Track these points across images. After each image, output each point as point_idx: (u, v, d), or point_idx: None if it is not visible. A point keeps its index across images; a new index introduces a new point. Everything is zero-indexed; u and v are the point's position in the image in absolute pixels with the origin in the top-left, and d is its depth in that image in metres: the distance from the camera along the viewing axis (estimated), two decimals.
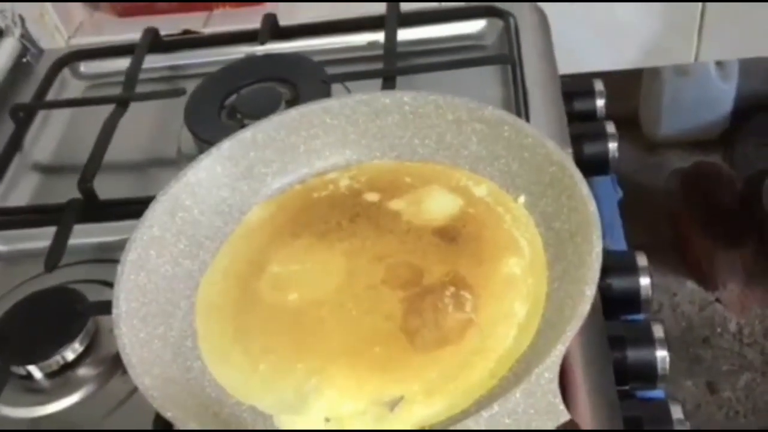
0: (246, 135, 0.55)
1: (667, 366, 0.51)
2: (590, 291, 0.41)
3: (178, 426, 0.40)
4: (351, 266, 0.49)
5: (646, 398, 0.52)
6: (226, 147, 0.54)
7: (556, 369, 0.38)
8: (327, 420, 0.42)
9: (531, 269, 0.47)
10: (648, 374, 0.51)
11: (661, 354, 0.51)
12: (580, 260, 0.43)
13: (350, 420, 0.42)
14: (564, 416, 0.36)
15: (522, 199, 0.51)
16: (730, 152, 1.56)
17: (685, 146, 1.61)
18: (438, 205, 0.52)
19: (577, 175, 0.47)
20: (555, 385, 0.37)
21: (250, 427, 0.43)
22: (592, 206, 0.45)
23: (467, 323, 0.45)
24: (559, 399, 0.37)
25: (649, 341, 0.51)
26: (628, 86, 1.51)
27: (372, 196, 0.54)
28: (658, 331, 0.52)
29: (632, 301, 0.54)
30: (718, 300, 1.42)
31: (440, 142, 0.54)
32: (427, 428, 0.41)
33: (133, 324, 0.45)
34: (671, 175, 1.55)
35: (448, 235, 0.50)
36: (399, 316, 0.46)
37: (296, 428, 0.42)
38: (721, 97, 1.53)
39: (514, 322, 0.45)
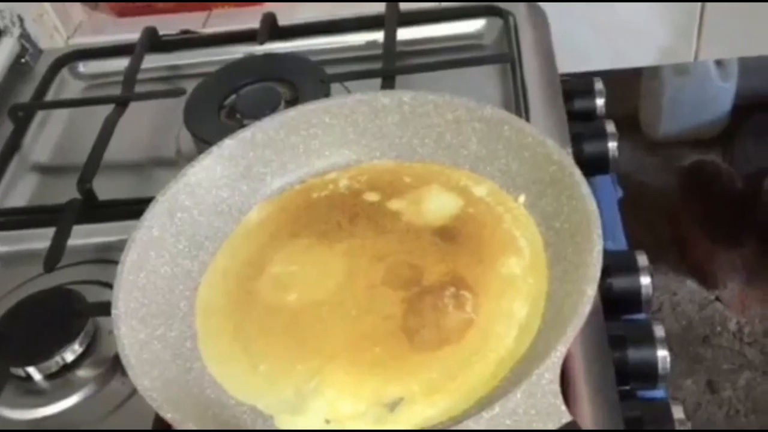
0: (246, 134, 0.55)
1: (668, 366, 0.51)
2: (591, 290, 0.41)
3: (177, 427, 0.40)
4: (351, 266, 0.49)
5: (647, 398, 0.52)
6: (226, 146, 0.54)
7: (557, 370, 0.38)
8: (327, 421, 0.42)
9: (531, 269, 0.47)
10: (649, 374, 0.51)
11: (662, 354, 0.51)
12: (580, 259, 0.43)
13: (350, 421, 0.42)
14: (566, 417, 0.36)
15: (522, 198, 0.50)
16: (729, 151, 1.56)
17: (684, 145, 1.60)
18: (438, 205, 0.52)
19: (577, 174, 0.46)
20: (556, 386, 0.37)
21: (250, 428, 0.43)
22: (593, 205, 0.45)
23: (467, 323, 0.45)
24: (560, 400, 0.37)
25: (650, 341, 0.51)
26: (628, 86, 1.51)
27: (372, 196, 0.54)
28: (659, 330, 0.52)
29: (633, 300, 0.54)
30: (718, 299, 1.42)
31: (440, 142, 0.54)
32: (427, 429, 0.41)
33: (132, 325, 0.45)
34: (671, 174, 1.55)
35: (448, 234, 0.50)
36: (399, 315, 0.46)
37: (296, 428, 0.42)
38: (721, 96, 1.53)
39: (514, 322, 0.45)
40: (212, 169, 0.54)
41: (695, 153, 1.58)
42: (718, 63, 1.47)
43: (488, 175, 0.52)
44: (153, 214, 0.50)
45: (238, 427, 0.43)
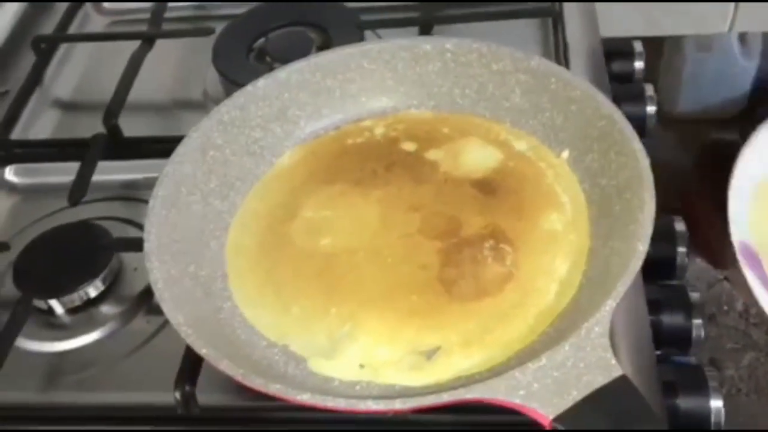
0: (281, 75, 0.53)
1: (702, 333, 0.50)
2: (643, 247, 0.40)
3: (212, 363, 0.39)
4: (386, 214, 0.48)
5: (679, 363, 0.51)
6: (260, 86, 0.53)
7: (607, 324, 0.37)
8: (361, 366, 0.41)
9: (573, 225, 0.46)
10: (683, 339, 0.50)
11: (697, 320, 0.50)
12: (630, 217, 0.42)
13: (385, 367, 0.41)
14: (616, 371, 0.35)
15: (566, 153, 0.49)
16: (748, 131, 1.54)
17: (702, 122, 1.59)
18: (477, 158, 0.51)
19: (628, 129, 0.45)
20: (606, 340, 0.36)
21: (282, 370, 0.42)
22: (645, 161, 0.43)
23: (507, 277, 0.44)
24: (610, 353, 0.36)
25: (686, 306, 0.50)
26: (648, 60, 1.49)
27: (408, 146, 0.52)
28: (694, 296, 0.51)
29: (669, 266, 0.53)
30: (726, 279, 1.41)
31: (481, 93, 0.53)
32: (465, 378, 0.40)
33: (165, 260, 0.44)
34: (686, 151, 1.53)
35: (487, 187, 0.49)
36: (436, 266, 0.45)
37: (329, 373, 0.41)
38: (742, 75, 1.51)
39: (555, 277, 0.44)
40: (246, 109, 0.52)
41: (713, 131, 1.56)
42: (742, 40, 1.45)
43: (530, 128, 0.51)
44: (185, 150, 0.49)
45: (270, 369, 0.42)
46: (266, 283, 0.46)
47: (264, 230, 0.49)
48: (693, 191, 1.49)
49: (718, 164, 1.51)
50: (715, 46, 1.44)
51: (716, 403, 0.45)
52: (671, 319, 0.50)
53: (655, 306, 0.49)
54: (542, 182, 0.49)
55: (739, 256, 0.64)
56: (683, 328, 0.50)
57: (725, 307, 1.38)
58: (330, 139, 0.54)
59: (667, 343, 0.50)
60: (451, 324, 0.42)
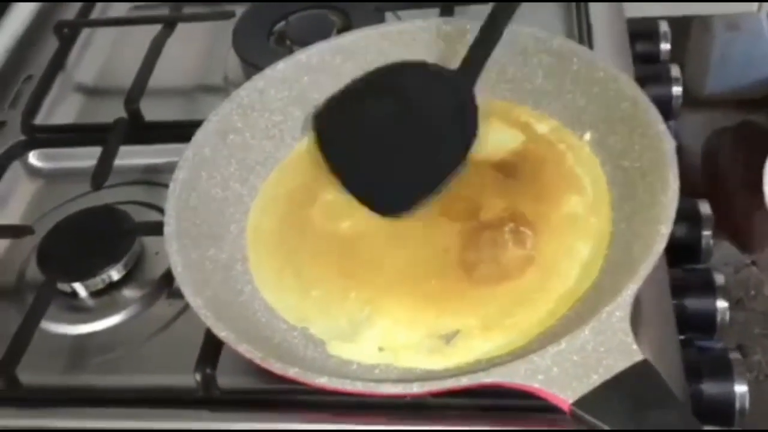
0: (301, 57, 0.53)
1: (727, 317, 0.50)
2: (666, 230, 0.39)
3: (232, 346, 0.39)
4: None
5: (704, 347, 0.51)
6: (280, 69, 0.53)
7: (628, 308, 0.36)
8: (380, 349, 0.41)
9: (594, 208, 0.46)
10: (707, 324, 0.49)
11: (722, 304, 0.49)
12: (652, 200, 0.41)
13: (404, 351, 0.41)
14: (637, 356, 0.35)
15: (588, 135, 0.48)
16: None
17: (729, 104, 1.56)
18: (497, 140, 0.50)
19: (653, 110, 0.44)
20: (627, 325, 0.36)
21: (301, 353, 0.42)
22: (669, 144, 0.43)
23: (528, 260, 0.44)
24: (631, 338, 0.35)
25: (710, 290, 0.49)
26: (675, 41, 1.46)
27: None
28: (719, 279, 0.50)
29: (693, 249, 0.52)
30: (753, 263, 1.39)
31: (502, 75, 0.52)
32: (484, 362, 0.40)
33: (185, 243, 0.44)
34: (714, 134, 1.51)
35: (508, 169, 0.49)
36: (456, 249, 0.45)
37: (348, 356, 0.41)
38: None
39: (576, 261, 0.44)
40: (266, 92, 0.52)
41: (740, 113, 1.53)
42: None
43: (552, 111, 0.50)
44: (205, 134, 0.49)
45: (289, 351, 0.42)
46: (286, 266, 0.46)
47: (284, 213, 0.49)
48: (720, 174, 1.47)
49: (747, 145, 1.49)
50: (744, 26, 1.41)
51: (740, 388, 0.45)
52: (695, 303, 0.49)
53: (679, 290, 0.49)
54: (563, 165, 0.48)
55: None
56: (708, 312, 0.49)
57: (752, 292, 1.36)
58: None
59: (691, 328, 0.49)
60: (471, 308, 0.42)
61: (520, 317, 0.42)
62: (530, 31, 0.51)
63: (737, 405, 0.45)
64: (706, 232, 0.53)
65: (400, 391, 0.36)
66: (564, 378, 0.34)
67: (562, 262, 0.43)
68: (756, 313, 1.34)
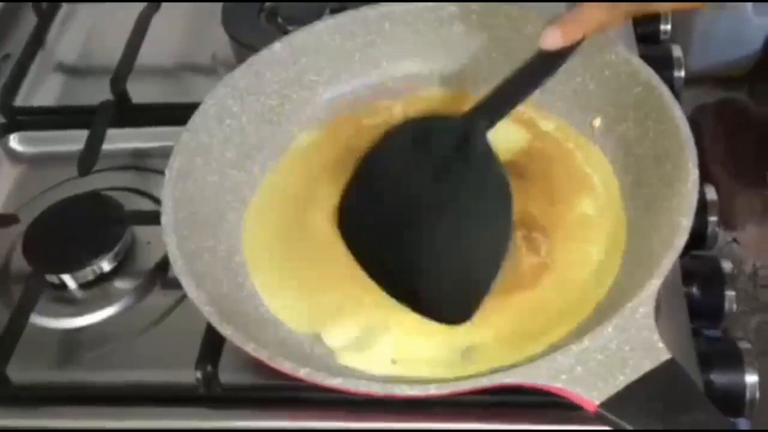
0: (297, 38, 0.51)
1: (735, 306, 0.49)
2: (687, 222, 0.38)
3: (238, 344, 0.37)
4: None
5: (711, 337, 0.50)
6: (276, 50, 0.50)
7: (652, 304, 0.35)
8: (393, 362, 0.40)
9: (607, 208, 0.45)
10: (715, 312, 0.48)
11: (730, 293, 0.49)
12: (671, 189, 0.40)
13: (418, 362, 0.39)
14: (664, 354, 0.34)
15: (598, 121, 0.47)
16: (757, 91, 1.51)
17: (710, 82, 1.56)
18: (502, 139, 0.48)
19: (668, 95, 0.43)
20: (651, 321, 0.35)
21: (308, 350, 0.40)
22: (686, 130, 0.41)
23: (542, 267, 0.42)
24: (657, 336, 0.34)
25: (719, 278, 0.48)
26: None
27: None
28: (727, 267, 0.49)
29: (700, 236, 0.51)
30: (735, 240, 1.40)
31: (509, 57, 0.50)
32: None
33: (183, 234, 0.42)
34: (695, 111, 1.51)
35: (516, 170, 0.46)
36: None
37: (360, 366, 0.40)
38: (754, 33, 1.48)
39: (591, 265, 0.42)
40: (261, 75, 0.50)
41: (721, 90, 1.53)
42: None
43: (560, 94, 0.49)
44: (201, 119, 0.47)
45: (296, 348, 0.40)
46: (289, 273, 0.44)
47: (285, 217, 0.47)
48: (701, 151, 1.47)
49: (728, 123, 1.49)
50: (729, 4, 1.41)
51: (751, 378, 0.44)
52: (704, 292, 0.48)
53: (687, 278, 0.48)
54: (572, 164, 0.47)
55: None
56: (717, 301, 0.48)
57: (734, 270, 1.37)
58: (346, 119, 0.51)
59: (699, 317, 0.48)
60: (485, 319, 0.40)
61: (538, 327, 0.40)
62: (537, 12, 0.49)
63: (748, 395, 0.44)
64: (713, 218, 0.52)
65: (418, 393, 0.34)
66: (588, 378, 0.33)
67: (578, 267, 0.42)
68: (737, 291, 1.34)
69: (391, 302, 0.41)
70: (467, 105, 0.49)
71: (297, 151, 0.50)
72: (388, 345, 0.40)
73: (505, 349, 0.39)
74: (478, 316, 0.40)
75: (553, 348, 0.37)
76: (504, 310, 0.41)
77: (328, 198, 0.46)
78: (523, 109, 0.49)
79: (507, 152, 0.48)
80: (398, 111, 0.51)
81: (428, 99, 0.52)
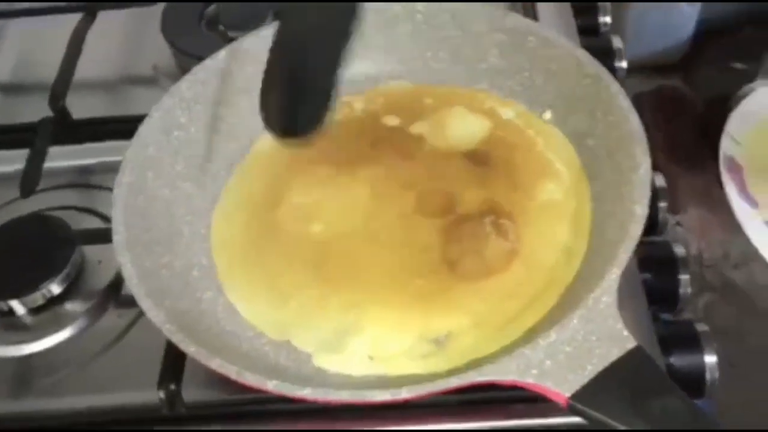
0: (243, 45, 0.50)
1: (689, 289, 0.50)
2: (641, 210, 0.38)
3: (203, 362, 0.36)
4: (378, 195, 0.46)
5: (667, 321, 0.51)
6: (221, 59, 0.50)
7: (614, 293, 0.36)
8: (371, 358, 0.39)
9: (573, 192, 0.45)
10: (671, 297, 0.49)
11: (684, 277, 0.50)
12: (623, 178, 0.41)
13: (396, 357, 0.39)
14: (629, 342, 0.34)
15: (548, 115, 0.48)
16: (691, 76, 1.56)
17: (645, 71, 1.59)
18: (464, 128, 0.49)
19: (615, 86, 0.44)
20: (615, 310, 0.35)
21: (273, 360, 0.40)
22: (635, 120, 0.42)
23: (512, 252, 0.42)
24: (621, 324, 0.35)
25: (673, 263, 0.49)
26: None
27: (391, 120, 0.50)
28: (680, 251, 0.50)
29: (651, 222, 0.52)
30: (679, 224, 1.43)
31: (456, 56, 0.50)
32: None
33: (137, 252, 0.41)
34: (633, 100, 1.54)
35: (479, 159, 0.47)
36: (438, 245, 0.43)
37: (337, 369, 0.39)
38: (685, 20, 1.52)
39: (559, 248, 0.43)
40: (208, 84, 0.49)
41: (656, 78, 1.57)
42: None
43: (509, 90, 0.49)
44: (148, 131, 0.46)
45: (260, 360, 0.40)
46: (258, 277, 0.43)
47: (249, 219, 0.46)
48: None
49: (665, 109, 1.52)
50: None
51: (710, 359, 0.45)
52: (660, 277, 0.49)
53: (642, 265, 0.49)
54: (533, 150, 0.47)
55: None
56: (671, 285, 0.49)
57: (686, 254, 1.40)
58: None
59: (655, 302, 0.49)
60: (460, 306, 0.41)
61: (511, 311, 0.40)
62: (483, 9, 0.49)
63: (708, 376, 0.45)
64: (663, 204, 0.53)
65: (389, 398, 0.34)
66: (558, 371, 0.34)
67: (546, 250, 0.42)
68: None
69: (364, 300, 0.41)
70: (428, 97, 0.50)
71: (258, 152, 0.49)
72: (364, 344, 0.40)
73: (481, 337, 0.39)
74: (451, 303, 0.40)
75: (531, 332, 0.38)
76: (476, 296, 0.41)
77: (293, 196, 0.46)
78: (482, 98, 0.50)
79: (470, 141, 0.48)
80: (359, 106, 0.51)
81: (388, 91, 0.51)
